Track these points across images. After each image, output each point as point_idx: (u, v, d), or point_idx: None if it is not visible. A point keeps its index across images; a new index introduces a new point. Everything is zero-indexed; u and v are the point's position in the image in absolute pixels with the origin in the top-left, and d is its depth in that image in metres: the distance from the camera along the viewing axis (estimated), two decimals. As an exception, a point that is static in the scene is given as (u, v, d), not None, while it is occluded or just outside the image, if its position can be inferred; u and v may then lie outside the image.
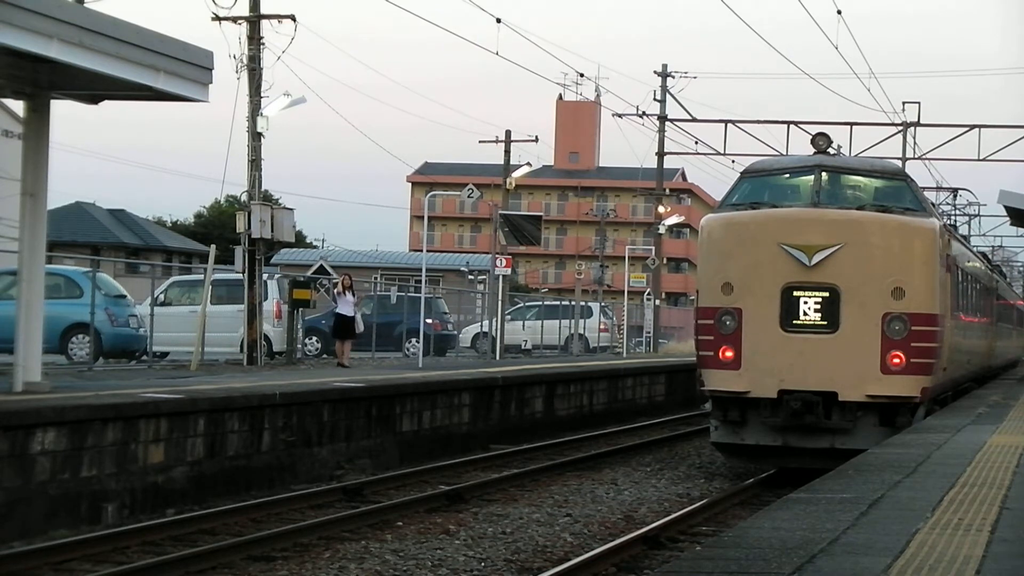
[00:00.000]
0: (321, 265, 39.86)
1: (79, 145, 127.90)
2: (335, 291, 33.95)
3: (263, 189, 33.56)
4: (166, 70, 17.77)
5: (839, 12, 40.20)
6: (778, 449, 21.76)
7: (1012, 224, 35.69)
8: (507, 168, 52.24)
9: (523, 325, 53.98)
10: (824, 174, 22.52)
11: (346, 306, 33.37)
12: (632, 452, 27.22)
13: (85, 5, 20.38)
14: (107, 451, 16.88)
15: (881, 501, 11.49)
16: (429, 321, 40.75)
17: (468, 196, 42.05)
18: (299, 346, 36.32)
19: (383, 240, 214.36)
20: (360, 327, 34.13)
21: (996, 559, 8.96)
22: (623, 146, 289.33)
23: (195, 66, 18.35)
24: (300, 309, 34.84)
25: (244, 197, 33.06)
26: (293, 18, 32.36)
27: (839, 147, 26.84)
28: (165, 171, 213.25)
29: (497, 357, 42.78)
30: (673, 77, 55.85)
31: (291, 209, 34.25)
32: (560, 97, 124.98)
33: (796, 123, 44.32)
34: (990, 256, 51.08)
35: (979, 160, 45.27)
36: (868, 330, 21.20)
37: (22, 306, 18.67)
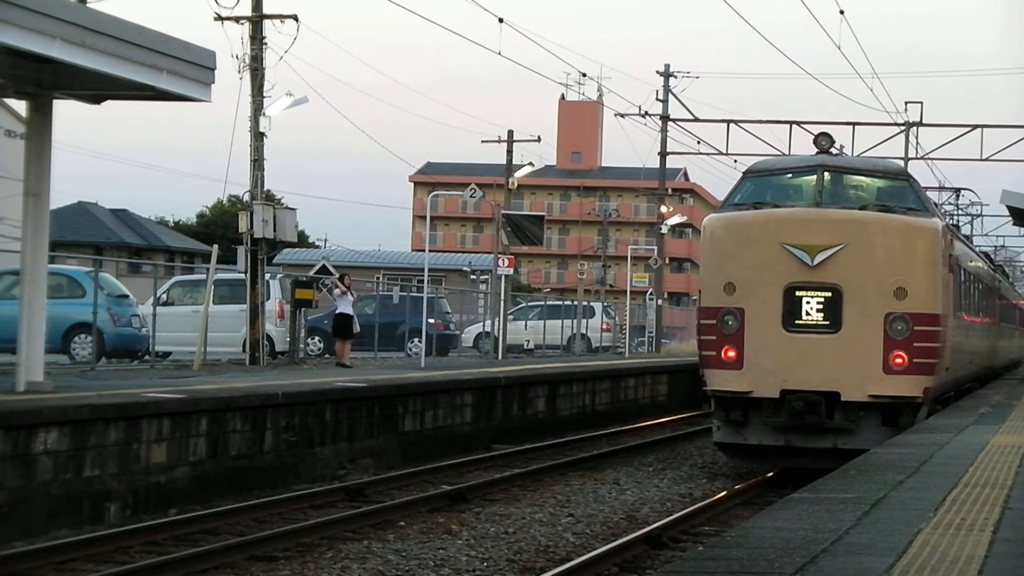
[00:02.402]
0: (324, 265, 39.87)
1: (81, 145, 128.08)
2: (337, 291, 33.96)
3: (265, 189, 33.59)
4: (168, 70, 17.77)
5: (841, 12, 40.16)
6: (780, 449, 21.76)
7: (1015, 224, 35.66)
8: (509, 168, 52.23)
9: (525, 325, 53.98)
10: (826, 174, 22.53)
11: (347, 305, 33.41)
12: (634, 452, 27.22)
13: (87, 5, 20.38)
14: (109, 451, 16.89)
15: (883, 501, 11.49)
16: (431, 321, 40.77)
17: (470, 196, 42.05)
18: (301, 346, 36.34)
19: (385, 240, 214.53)
20: (356, 327, 34.20)
21: (999, 559, 8.95)
22: (625, 146, 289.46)
23: (197, 66, 18.36)
24: (302, 309, 34.87)
25: (246, 197, 33.08)
26: (295, 18, 32.41)
27: (841, 147, 26.80)
28: (167, 171, 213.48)
29: (499, 357, 42.79)
30: (675, 77, 55.81)
31: (293, 209, 34.27)
32: (562, 97, 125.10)
33: (798, 123, 44.30)
34: (992, 256, 51.07)
35: (981, 160, 45.25)
36: (870, 330, 21.20)
37: (24, 306, 18.67)
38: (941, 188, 53.34)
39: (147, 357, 31.11)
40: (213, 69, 18.71)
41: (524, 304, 59.09)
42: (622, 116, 51.45)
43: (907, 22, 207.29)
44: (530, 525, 17.54)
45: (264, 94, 32.44)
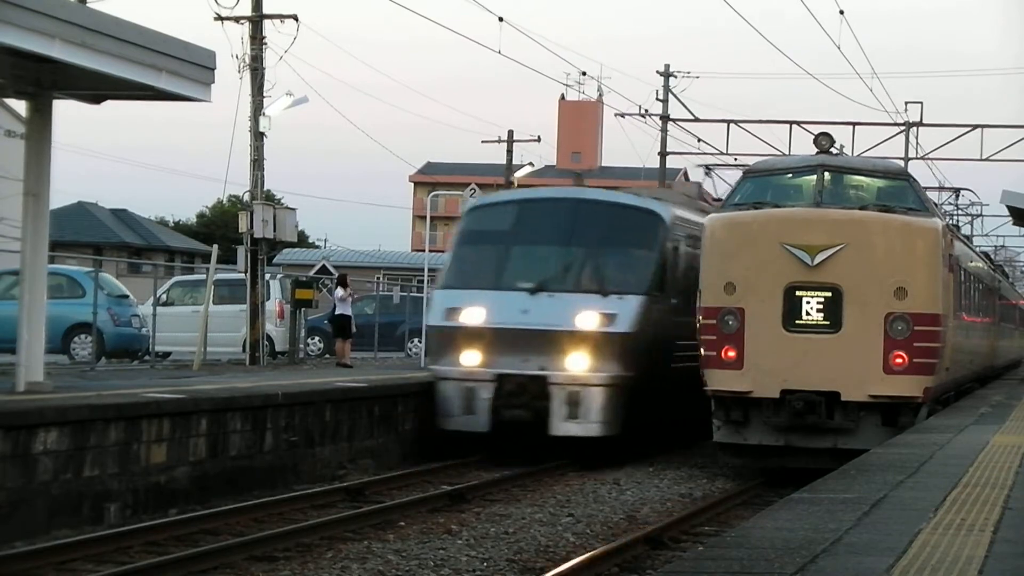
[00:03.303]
0: (324, 265, 39.89)
1: (81, 145, 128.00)
2: (340, 292, 33.93)
3: (265, 189, 33.60)
4: (168, 70, 17.79)
5: (841, 12, 40.16)
6: (780, 449, 21.77)
7: (1015, 224, 35.70)
8: (509, 168, 52.31)
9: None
10: (826, 174, 22.55)
11: (346, 306, 33.44)
12: (634, 452, 27.15)
13: (87, 5, 20.39)
14: (109, 451, 16.88)
15: (883, 501, 11.49)
16: (431, 321, 40.68)
17: (471, 196, 42.06)
18: (301, 346, 36.35)
19: (385, 240, 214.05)
20: (352, 327, 34.25)
21: (999, 559, 8.95)
22: (625, 146, 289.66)
23: (197, 66, 18.37)
24: (302, 309, 34.87)
25: (246, 197, 33.11)
26: (295, 18, 32.45)
27: (841, 147, 26.83)
28: (167, 171, 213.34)
29: (499, 357, 42.60)
30: (675, 77, 55.83)
31: (293, 209, 34.31)
32: (563, 96, 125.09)
33: (798, 123, 44.31)
34: (992, 256, 51.10)
35: (982, 160, 45.21)
36: (870, 330, 21.21)
37: (24, 306, 18.68)
38: (941, 188, 53.32)
39: (147, 357, 31.13)
40: (213, 69, 18.73)
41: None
42: (622, 116, 51.56)
43: (907, 22, 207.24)
44: (530, 525, 17.53)
45: (264, 94, 32.48)
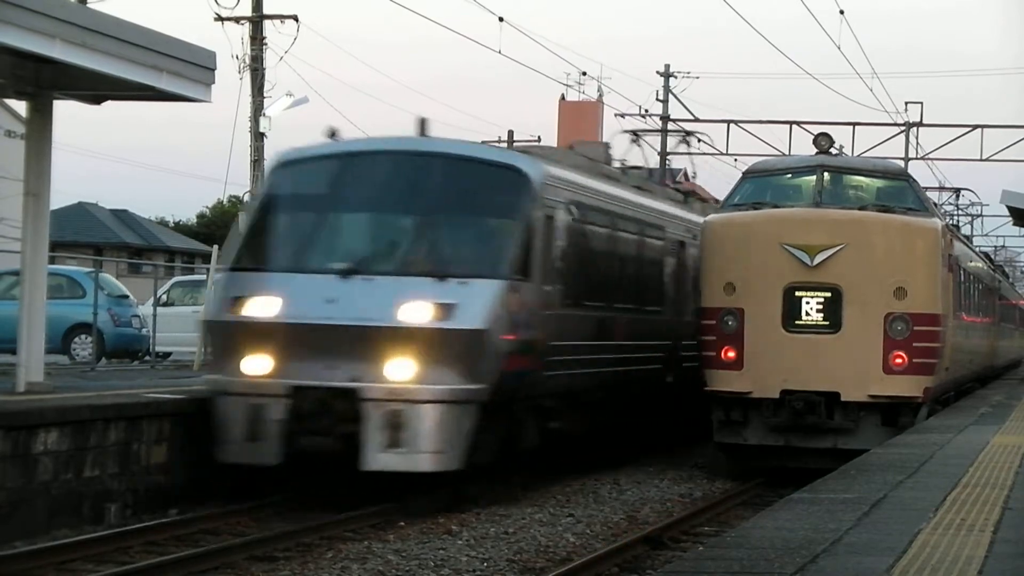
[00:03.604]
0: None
1: (81, 145, 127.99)
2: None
3: (265, 189, 33.60)
4: (169, 70, 17.80)
5: (841, 12, 40.21)
6: (780, 449, 21.78)
7: (1015, 224, 35.75)
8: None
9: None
10: (826, 174, 22.58)
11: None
12: (634, 452, 27.15)
13: (88, 5, 20.40)
14: (110, 451, 16.88)
15: (883, 501, 11.50)
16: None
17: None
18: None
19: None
20: None
21: (998, 559, 8.97)
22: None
23: (198, 66, 18.38)
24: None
25: (246, 197, 33.16)
26: (296, 18, 32.57)
27: (841, 147, 26.89)
28: (167, 171, 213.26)
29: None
30: (676, 77, 55.99)
31: (293, 209, 34.28)
32: (563, 96, 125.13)
33: (798, 123, 44.36)
34: (992, 256, 51.15)
35: (982, 160, 45.28)
36: (870, 330, 21.23)
37: (24, 306, 18.68)
38: (941, 188, 53.47)
39: (147, 357, 31.14)
40: (213, 69, 18.75)
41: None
42: (622, 116, 51.59)
43: (907, 22, 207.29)
44: (530, 525, 17.52)
45: (264, 94, 32.60)
